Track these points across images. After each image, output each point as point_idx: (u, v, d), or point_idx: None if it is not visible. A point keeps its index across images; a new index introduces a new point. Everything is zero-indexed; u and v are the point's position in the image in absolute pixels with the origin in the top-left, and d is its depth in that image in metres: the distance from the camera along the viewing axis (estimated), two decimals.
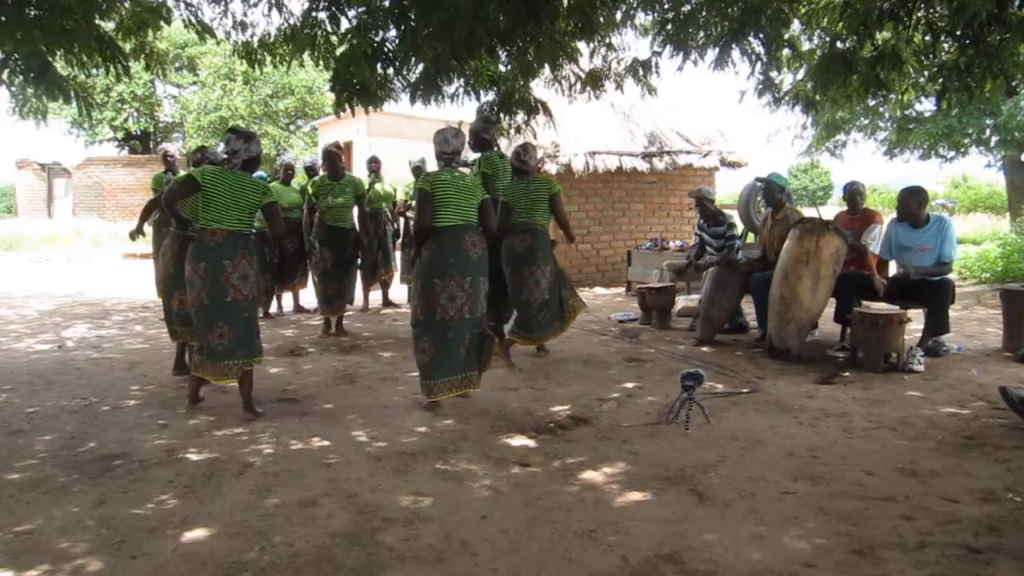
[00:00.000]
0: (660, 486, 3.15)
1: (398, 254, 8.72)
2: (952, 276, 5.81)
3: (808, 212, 7.58)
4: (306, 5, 5.32)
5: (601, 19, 5.83)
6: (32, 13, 4.80)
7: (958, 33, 4.95)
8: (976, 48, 4.75)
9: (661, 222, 11.48)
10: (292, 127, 27.36)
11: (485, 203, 4.56)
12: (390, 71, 5.37)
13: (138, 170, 23.57)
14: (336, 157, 6.57)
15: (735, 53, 5.47)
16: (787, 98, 6.24)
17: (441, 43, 4.80)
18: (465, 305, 4.31)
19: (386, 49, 5.18)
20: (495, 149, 5.69)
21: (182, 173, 7.74)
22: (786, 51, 5.74)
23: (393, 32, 5.25)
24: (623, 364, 5.60)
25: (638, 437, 3.82)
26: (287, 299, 8.43)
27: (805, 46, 6.31)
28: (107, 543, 2.67)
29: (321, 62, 5.58)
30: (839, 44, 5.39)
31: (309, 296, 8.38)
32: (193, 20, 5.37)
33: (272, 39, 5.93)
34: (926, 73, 5.63)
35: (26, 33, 4.69)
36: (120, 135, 27.85)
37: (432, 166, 4.85)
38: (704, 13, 5.39)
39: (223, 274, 4.09)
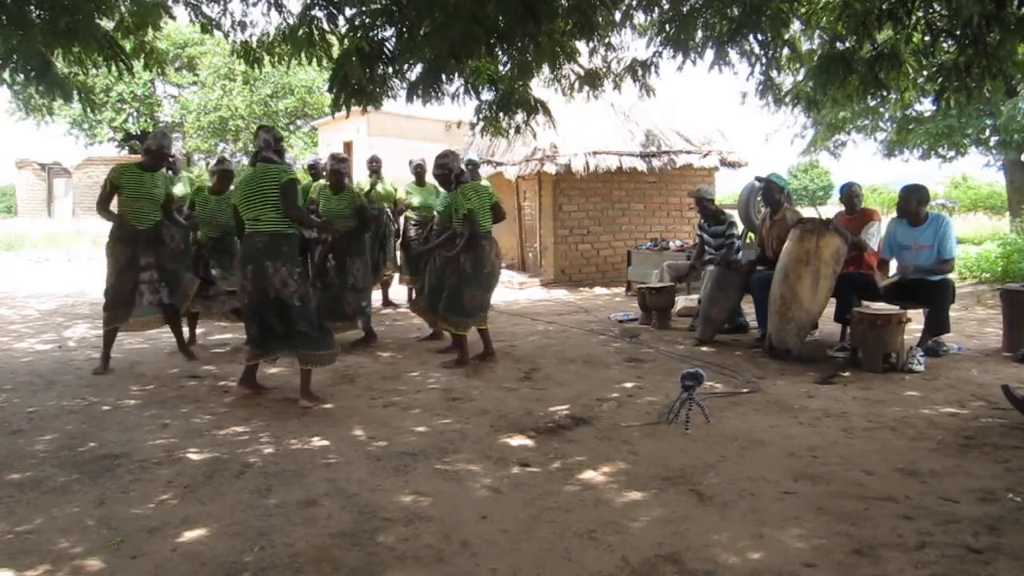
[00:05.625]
0: (660, 486, 3.15)
1: (398, 254, 8.73)
2: (952, 276, 5.80)
3: (808, 212, 7.57)
4: (304, 3, 5.31)
5: (600, 19, 5.83)
6: (33, 12, 4.80)
7: (957, 33, 4.95)
8: (975, 48, 4.74)
9: (661, 222, 11.48)
10: (292, 127, 27.36)
11: None
12: (388, 71, 5.37)
13: None
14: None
15: (734, 53, 5.47)
16: (788, 98, 6.24)
17: (439, 43, 4.79)
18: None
19: (385, 49, 5.17)
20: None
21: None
22: (786, 51, 5.74)
23: (391, 31, 5.24)
24: (623, 364, 5.60)
25: (638, 437, 3.82)
26: None
27: (805, 46, 6.32)
28: (107, 543, 2.68)
29: (316, 61, 5.56)
30: (839, 44, 5.38)
31: None
32: (196, 16, 5.38)
33: (271, 39, 5.93)
34: (925, 73, 5.63)
35: (27, 32, 4.68)
36: (120, 135, 27.86)
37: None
38: (704, 13, 5.38)
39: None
